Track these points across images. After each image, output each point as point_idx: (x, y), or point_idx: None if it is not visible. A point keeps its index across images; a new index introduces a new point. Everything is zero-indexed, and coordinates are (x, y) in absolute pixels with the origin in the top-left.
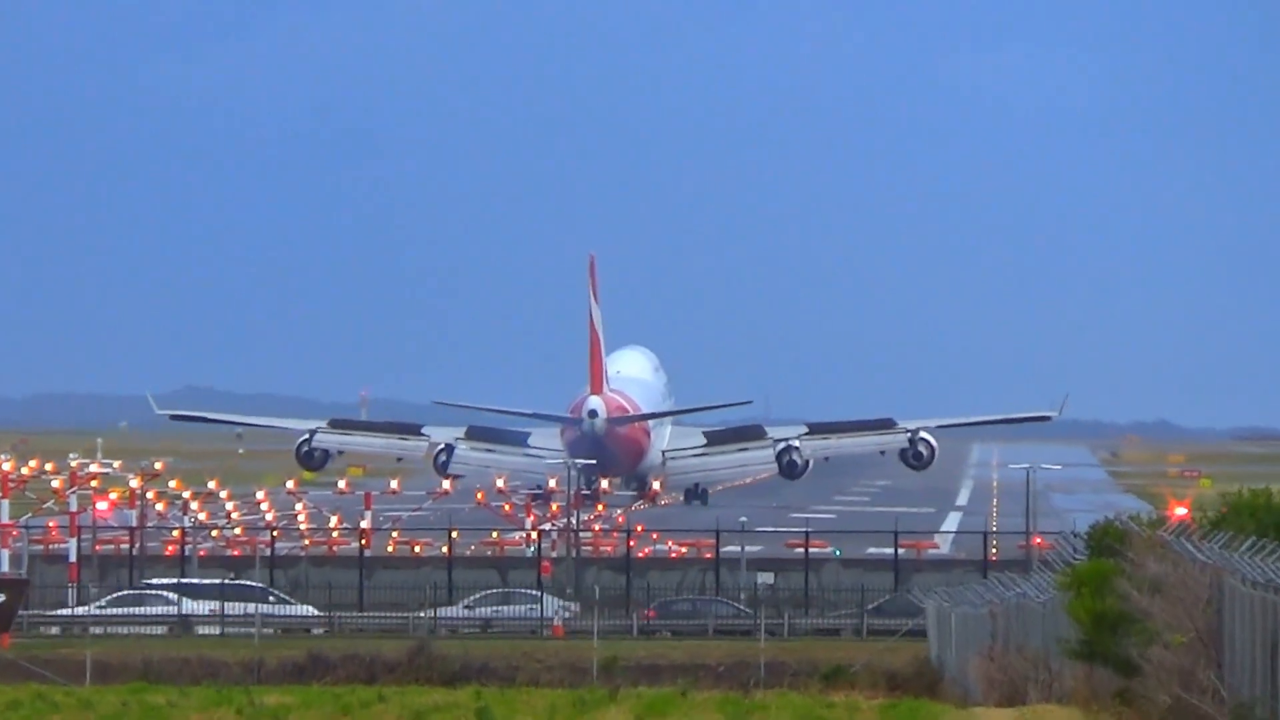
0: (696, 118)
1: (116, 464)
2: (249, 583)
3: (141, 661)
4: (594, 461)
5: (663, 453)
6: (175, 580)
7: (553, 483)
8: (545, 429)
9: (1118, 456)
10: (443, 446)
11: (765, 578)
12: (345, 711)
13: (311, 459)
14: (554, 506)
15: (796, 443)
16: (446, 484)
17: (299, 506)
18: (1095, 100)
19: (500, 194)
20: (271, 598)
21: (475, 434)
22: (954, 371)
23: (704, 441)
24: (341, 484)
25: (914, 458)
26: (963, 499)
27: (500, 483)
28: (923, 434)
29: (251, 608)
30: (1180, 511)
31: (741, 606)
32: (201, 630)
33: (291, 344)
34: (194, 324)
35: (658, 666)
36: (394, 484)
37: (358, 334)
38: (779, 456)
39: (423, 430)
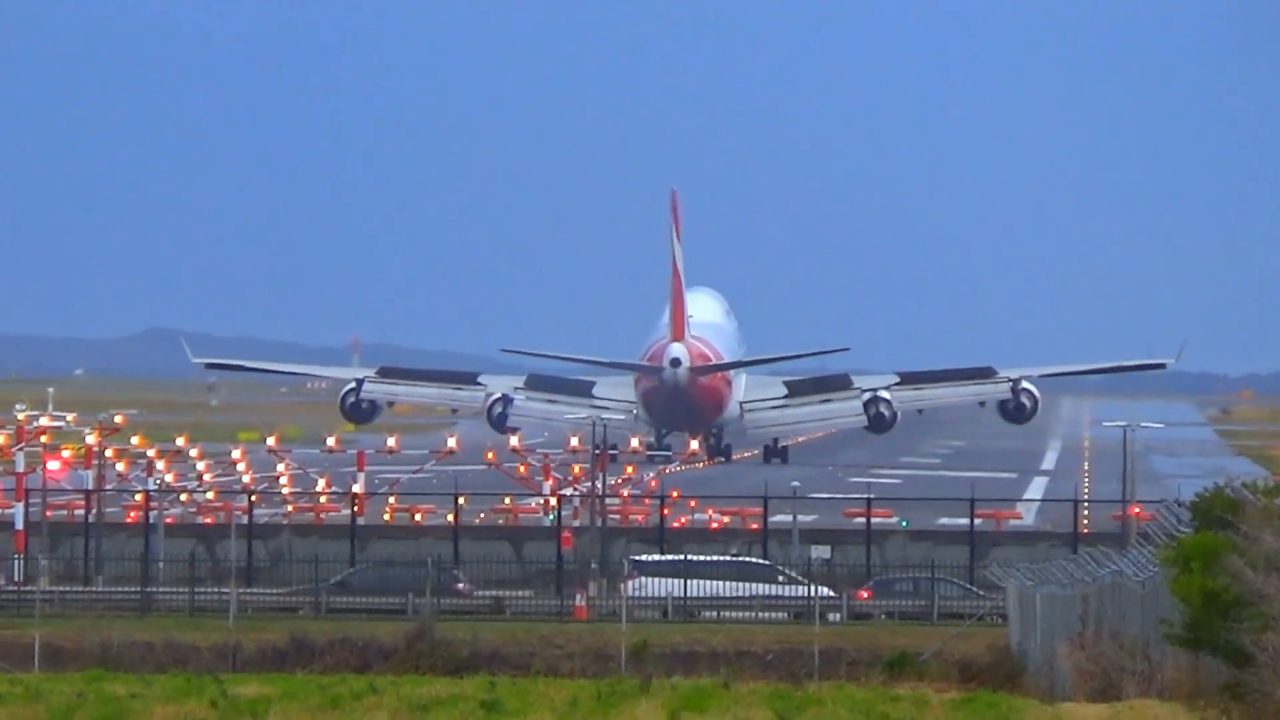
0: (786, 54)
1: (70, 417)
2: (752, 559)
3: (99, 645)
4: (668, 415)
5: (740, 404)
6: (674, 557)
7: (635, 442)
8: (611, 377)
9: (1229, 414)
10: (499, 397)
11: (820, 552)
12: (333, 704)
13: (359, 410)
14: (576, 469)
15: (885, 393)
16: (452, 442)
17: (281, 467)
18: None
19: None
20: (781, 577)
21: (536, 383)
22: (1053, 319)
23: (784, 392)
24: (392, 441)
25: (1015, 410)
26: (1049, 462)
27: (575, 440)
28: (1024, 384)
29: (758, 588)
30: None
31: (972, 587)
32: (706, 614)
33: (269, 286)
34: (156, 263)
35: (695, 654)
36: (392, 441)
37: (342, 276)
38: (866, 407)
39: (479, 379)
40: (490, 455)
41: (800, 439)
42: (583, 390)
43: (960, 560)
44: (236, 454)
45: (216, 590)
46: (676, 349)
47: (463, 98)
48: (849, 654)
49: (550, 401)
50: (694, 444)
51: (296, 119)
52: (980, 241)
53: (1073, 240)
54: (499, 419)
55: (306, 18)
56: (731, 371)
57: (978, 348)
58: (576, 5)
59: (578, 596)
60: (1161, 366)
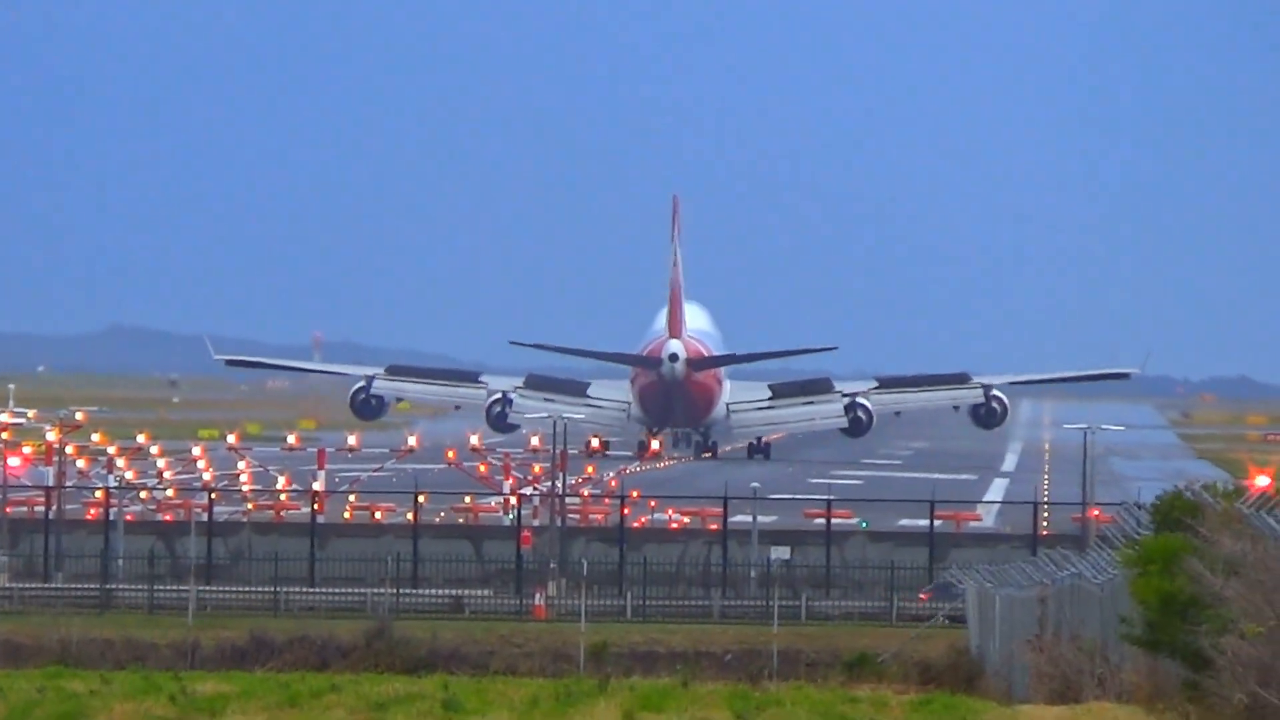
0: (762, 55)
1: (31, 413)
2: None
3: (58, 642)
4: (663, 410)
5: (727, 405)
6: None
7: (656, 444)
8: (605, 380)
9: (1189, 417)
10: (499, 396)
11: (780, 553)
12: (292, 702)
13: (369, 407)
14: (536, 468)
15: (864, 399)
16: (412, 440)
17: (241, 465)
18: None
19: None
20: None
21: (534, 382)
22: (1023, 325)
23: (769, 394)
24: (413, 439)
25: (986, 415)
26: (1009, 464)
27: (535, 440)
28: (996, 391)
29: None
30: (1262, 481)
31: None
32: None
33: (230, 283)
34: (120, 260)
35: (654, 654)
36: (352, 439)
37: (298, 275)
38: (846, 411)
39: (481, 378)
40: (450, 454)
41: (777, 435)
42: (579, 390)
43: (920, 562)
44: (197, 451)
45: (176, 588)
46: (675, 344)
47: (455, 97)
48: (808, 655)
49: (548, 400)
50: (655, 444)
51: (269, 112)
52: (953, 251)
53: (1042, 246)
54: (498, 418)
55: (294, 11)
56: (721, 372)
57: (950, 354)
58: (577, 8)
59: (537, 596)
60: (1126, 376)
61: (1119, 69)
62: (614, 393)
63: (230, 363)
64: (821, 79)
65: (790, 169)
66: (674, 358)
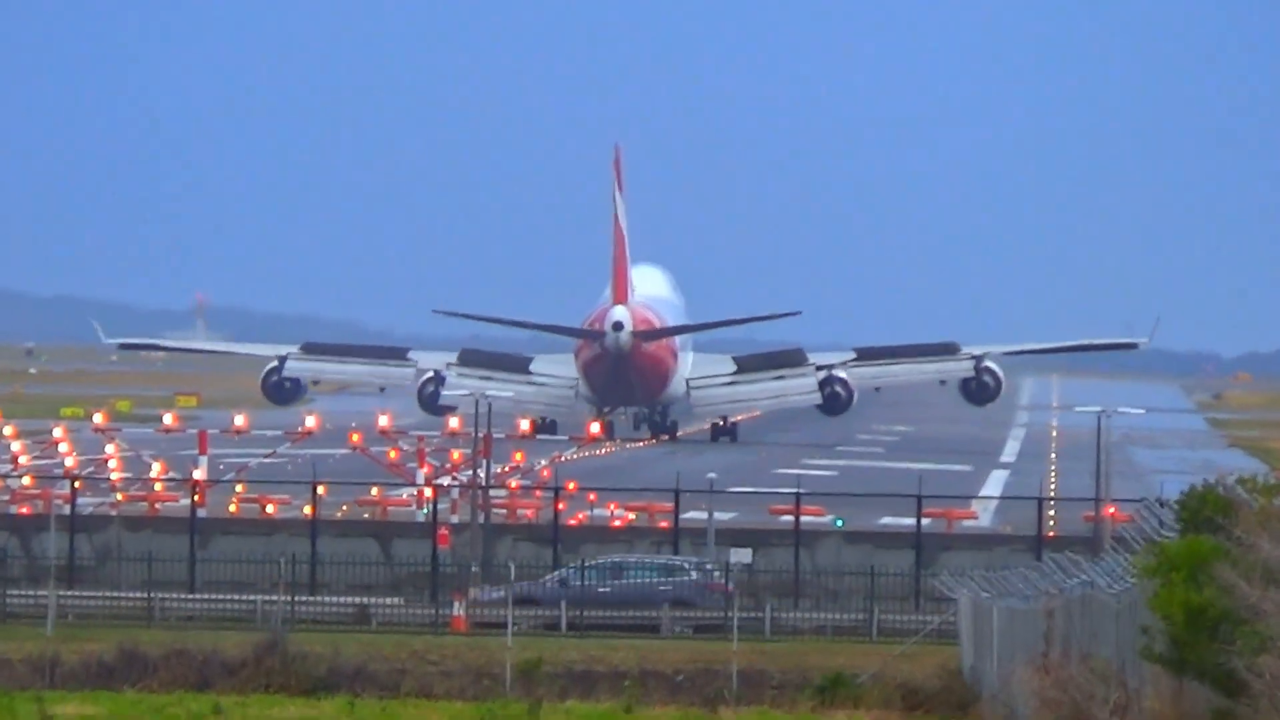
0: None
1: None
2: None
3: None
4: (611, 387)
5: (687, 381)
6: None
7: (596, 427)
8: (551, 355)
9: (1222, 399)
10: (431, 374)
11: (741, 555)
12: None
13: (282, 390)
14: (455, 455)
15: (842, 371)
16: (311, 420)
17: (110, 449)
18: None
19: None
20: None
21: (470, 359)
22: (1030, 293)
23: (734, 369)
24: (312, 420)
25: (978, 389)
26: (1010, 453)
27: (455, 422)
28: (988, 362)
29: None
30: None
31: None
32: None
33: (93, 238)
34: None
35: (594, 674)
36: (239, 419)
37: (174, 231)
38: (822, 386)
39: (409, 354)
40: (355, 438)
41: (746, 415)
42: (520, 366)
43: (904, 567)
44: (58, 432)
45: (33, 593)
46: (619, 312)
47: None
48: (773, 675)
49: (485, 378)
50: (594, 426)
51: (145, 40)
52: (950, 210)
53: (1053, 205)
54: (430, 399)
55: None
56: (678, 345)
57: (942, 323)
58: None
59: (455, 605)
60: (1133, 346)
61: (1145, 19)
62: (560, 368)
63: (124, 345)
64: (792, 40)
65: (757, 122)
66: (618, 327)
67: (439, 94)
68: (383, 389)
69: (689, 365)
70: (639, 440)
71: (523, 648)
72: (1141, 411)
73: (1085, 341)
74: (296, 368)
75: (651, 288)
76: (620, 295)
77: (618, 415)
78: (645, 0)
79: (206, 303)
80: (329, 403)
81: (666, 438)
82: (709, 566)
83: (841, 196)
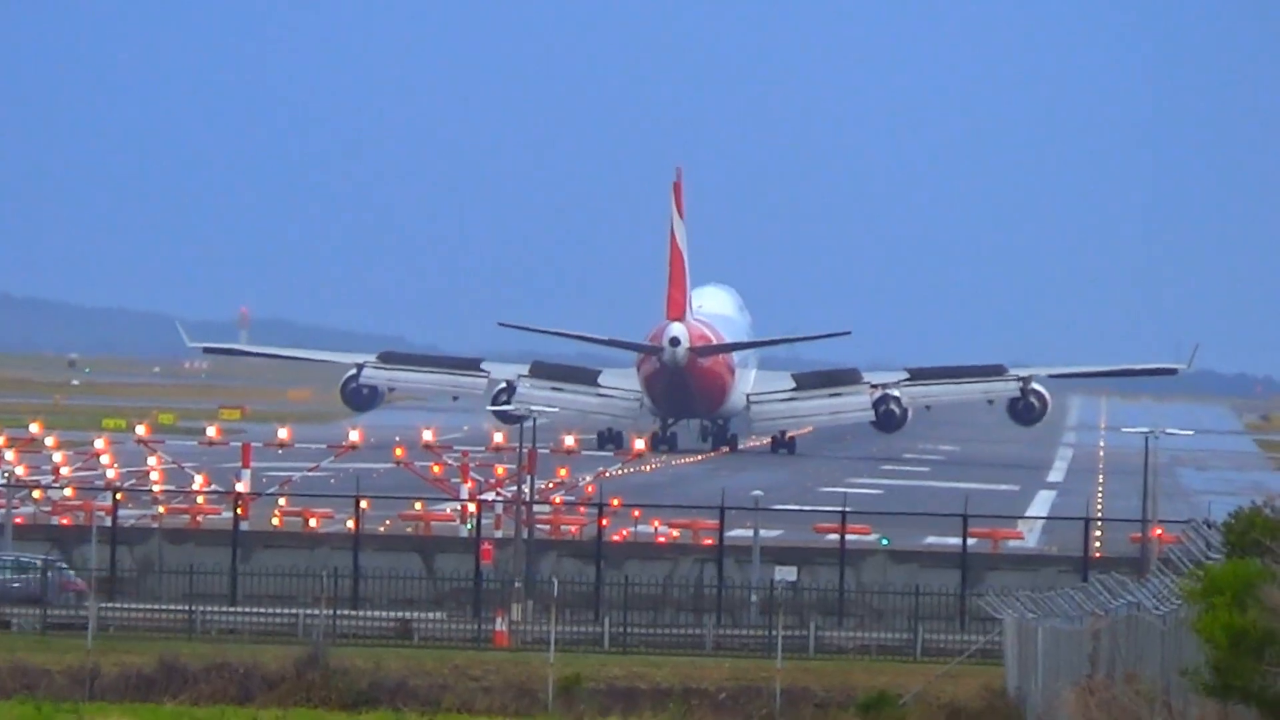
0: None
1: None
2: None
3: None
4: (670, 400)
5: (747, 396)
6: None
7: (570, 439)
8: (617, 369)
9: (1270, 421)
10: (504, 385)
11: (786, 573)
12: None
13: (359, 396)
14: (500, 470)
15: (895, 390)
16: (355, 435)
17: (152, 461)
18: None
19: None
20: None
21: (541, 370)
22: (1076, 317)
23: (793, 386)
24: (284, 433)
25: (1024, 410)
26: (1057, 473)
27: (500, 436)
28: (1034, 384)
29: None
30: None
31: None
32: None
33: (139, 256)
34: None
35: (636, 690)
36: (283, 433)
37: (215, 244)
38: (876, 405)
39: (482, 365)
40: (399, 452)
41: (804, 430)
42: (589, 379)
43: (950, 587)
44: (100, 444)
45: (73, 605)
46: (675, 328)
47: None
48: (816, 694)
49: (556, 390)
50: (639, 443)
51: (193, 62)
52: (999, 236)
53: (1099, 231)
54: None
55: None
56: (737, 361)
57: (992, 346)
58: None
59: (498, 620)
60: (1173, 372)
61: (1178, 39)
62: (627, 381)
63: (207, 349)
64: (847, 67)
65: (815, 154)
66: (675, 342)
67: (489, 111)
68: (455, 398)
69: (750, 381)
70: (701, 453)
71: (565, 664)
72: (1190, 433)
73: (1126, 366)
74: (374, 375)
75: (716, 306)
76: (676, 312)
77: (681, 427)
78: (705, 21)
79: (249, 315)
80: (400, 414)
81: (727, 450)
82: (61, 565)
83: (897, 227)
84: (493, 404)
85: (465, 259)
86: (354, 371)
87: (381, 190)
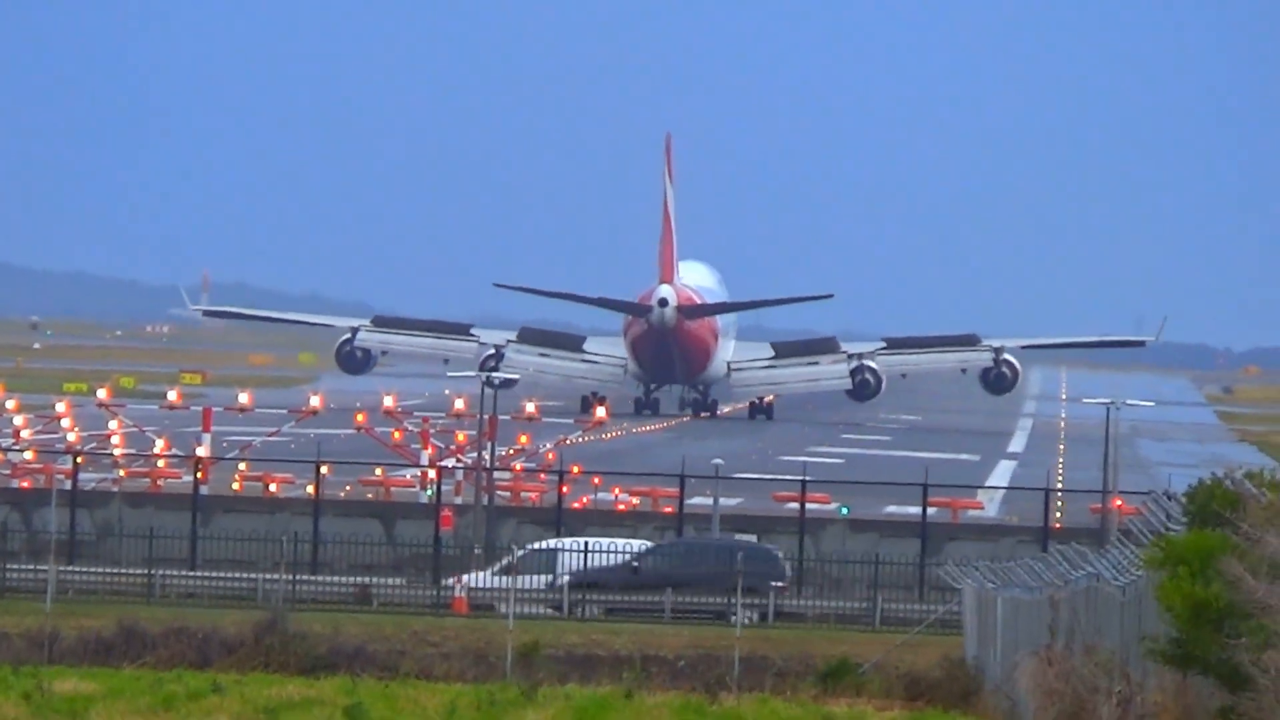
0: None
1: None
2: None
3: None
4: (656, 362)
5: (727, 364)
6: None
7: (531, 406)
8: (601, 336)
9: (1231, 393)
10: (492, 350)
11: (745, 541)
12: (167, 704)
13: (354, 359)
14: (460, 436)
15: (871, 360)
16: (315, 400)
17: (113, 424)
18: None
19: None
20: None
21: (528, 336)
22: (1043, 288)
23: (772, 354)
24: (243, 397)
25: (996, 379)
26: (1018, 444)
27: (460, 403)
28: (1006, 354)
29: None
30: None
31: None
32: None
33: (102, 219)
34: None
35: (594, 657)
36: (244, 397)
37: (174, 209)
38: (852, 374)
39: (472, 330)
40: (360, 417)
41: (773, 398)
42: (575, 344)
43: (909, 555)
44: (61, 407)
45: (33, 567)
46: (664, 289)
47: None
48: (775, 662)
49: (543, 355)
50: (600, 410)
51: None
52: (971, 206)
53: (1063, 204)
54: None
55: None
56: (720, 328)
57: (964, 316)
58: None
59: (457, 586)
60: (1141, 344)
61: (1157, 12)
62: (611, 348)
63: (208, 313)
64: (823, 40)
65: (793, 127)
66: (663, 303)
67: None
68: (447, 361)
69: (730, 350)
70: (681, 417)
71: (523, 631)
72: (1151, 404)
73: (1097, 339)
74: (368, 339)
75: (698, 279)
76: (667, 275)
77: (663, 393)
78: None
79: (210, 279)
80: (328, 381)
81: (707, 415)
82: None
83: (874, 199)
84: (481, 368)
85: (433, 226)
86: (349, 335)
87: (341, 158)
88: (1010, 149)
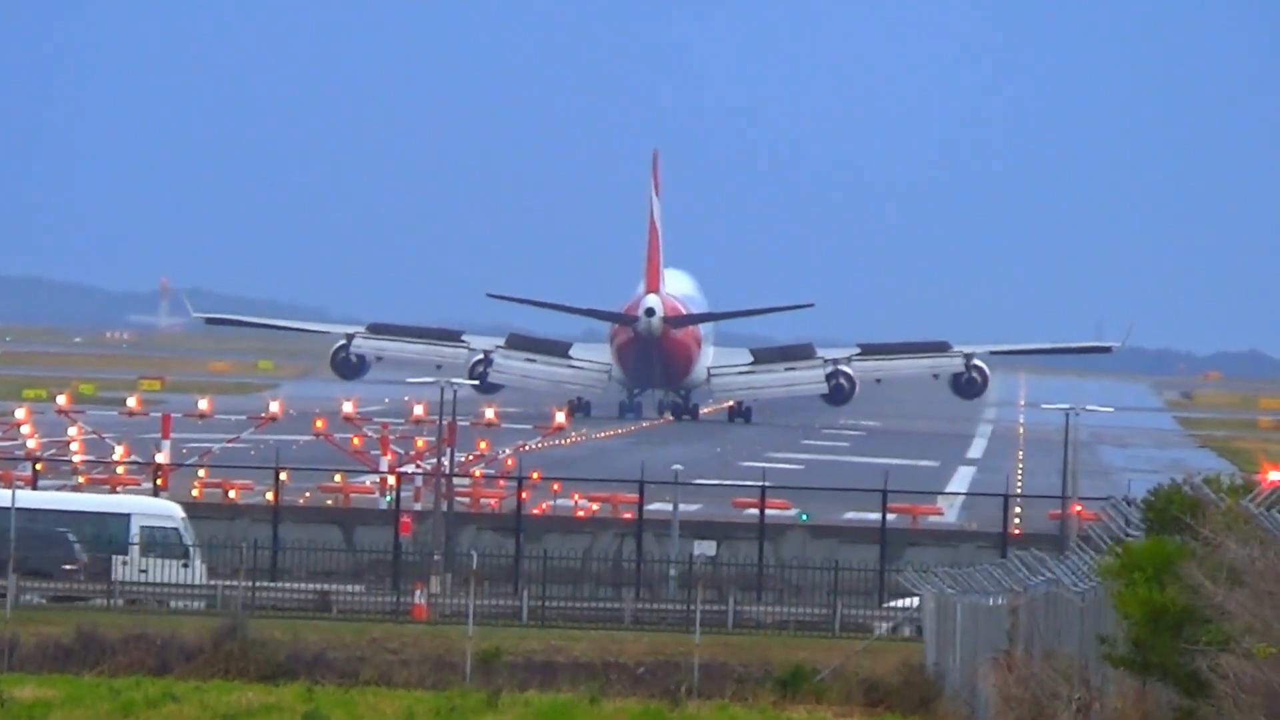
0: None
1: None
2: None
3: None
4: (641, 369)
5: (708, 370)
6: None
7: (490, 413)
8: (587, 343)
9: (1191, 398)
10: (481, 356)
11: (704, 548)
12: (125, 711)
13: (349, 365)
14: (419, 442)
15: (846, 366)
16: (274, 406)
17: (72, 431)
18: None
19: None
20: None
21: (516, 342)
22: (1009, 294)
23: (750, 360)
24: (203, 403)
25: (967, 384)
26: (977, 449)
27: (420, 409)
28: (976, 360)
29: None
30: (1275, 475)
31: None
32: None
33: (56, 223)
34: None
35: (555, 664)
36: (203, 404)
37: (135, 216)
38: (828, 379)
39: (463, 337)
40: (319, 424)
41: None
42: (561, 351)
43: (869, 561)
44: (20, 414)
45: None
46: (651, 299)
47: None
48: (734, 669)
49: (529, 360)
50: (560, 416)
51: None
52: (941, 216)
53: (1027, 211)
54: (480, 377)
55: None
56: (701, 335)
57: (936, 323)
58: None
59: (417, 593)
60: (1107, 350)
61: (1120, 23)
62: (596, 354)
63: (210, 320)
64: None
65: (772, 138)
66: (650, 312)
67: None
68: (439, 366)
69: (710, 356)
70: (660, 420)
71: (484, 637)
72: (1110, 410)
73: (1063, 345)
74: (362, 345)
75: (680, 288)
76: (653, 285)
77: (645, 398)
78: (654, 9)
79: (169, 285)
80: (288, 387)
81: (688, 418)
82: None
83: (852, 209)
84: (470, 375)
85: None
86: (344, 342)
87: (321, 164)
88: (978, 163)
